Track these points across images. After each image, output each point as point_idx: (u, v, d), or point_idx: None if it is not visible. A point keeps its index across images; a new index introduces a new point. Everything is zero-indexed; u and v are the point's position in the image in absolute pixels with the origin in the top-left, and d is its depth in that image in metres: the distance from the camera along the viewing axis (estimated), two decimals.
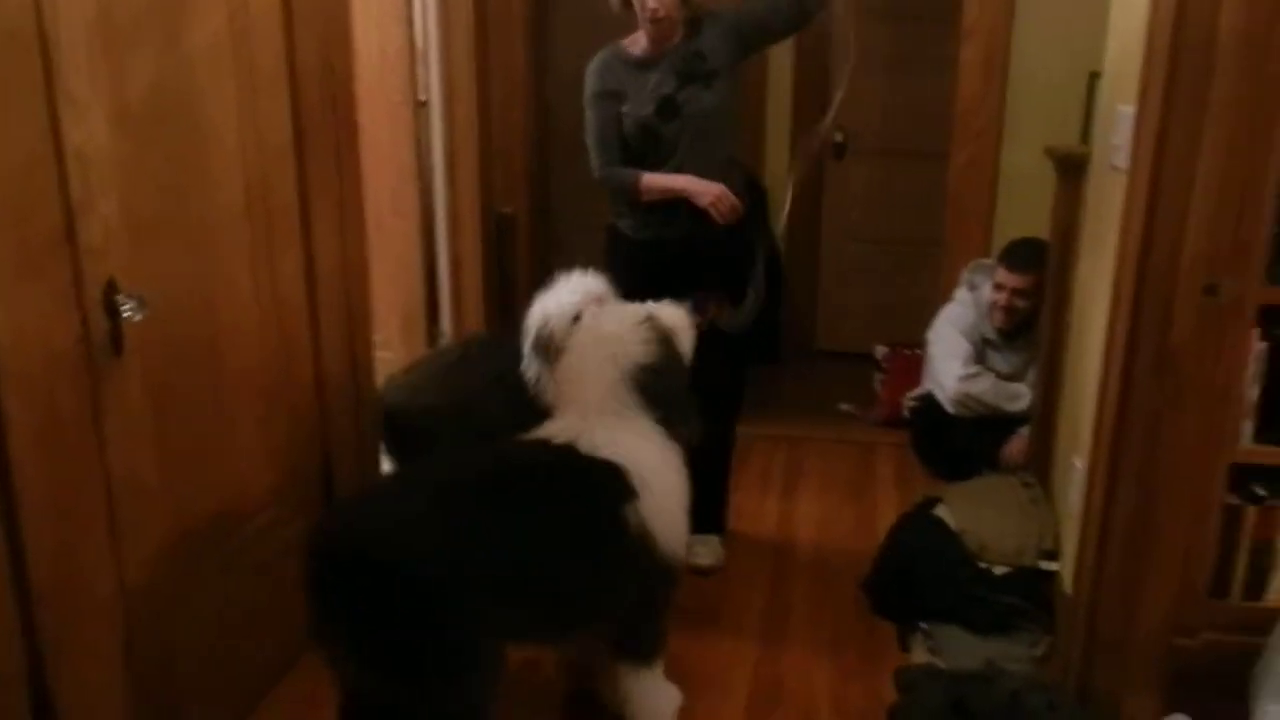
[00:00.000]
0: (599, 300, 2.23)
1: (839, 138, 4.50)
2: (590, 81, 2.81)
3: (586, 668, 2.32)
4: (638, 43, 2.78)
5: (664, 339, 2.16)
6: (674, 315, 2.25)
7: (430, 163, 3.50)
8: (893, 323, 4.36)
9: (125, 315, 1.74)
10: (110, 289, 1.73)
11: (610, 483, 1.98)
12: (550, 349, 2.18)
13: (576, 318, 2.18)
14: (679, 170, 2.72)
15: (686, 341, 2.27)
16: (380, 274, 3.57)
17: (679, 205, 2.73)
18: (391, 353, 3.64)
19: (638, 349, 2.11)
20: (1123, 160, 2.08)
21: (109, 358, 1.75)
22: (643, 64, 2.75)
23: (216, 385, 2.10)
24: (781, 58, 4.41)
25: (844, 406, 4.09)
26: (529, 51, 3.97)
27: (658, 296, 2.28)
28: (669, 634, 2.25)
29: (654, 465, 2.06)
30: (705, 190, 2.68)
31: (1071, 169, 2.61)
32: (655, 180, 2.73)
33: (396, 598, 1.66)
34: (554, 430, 2.08)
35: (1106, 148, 2.32)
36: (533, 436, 2.09)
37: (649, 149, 2.75)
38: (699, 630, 2.59)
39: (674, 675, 2.30)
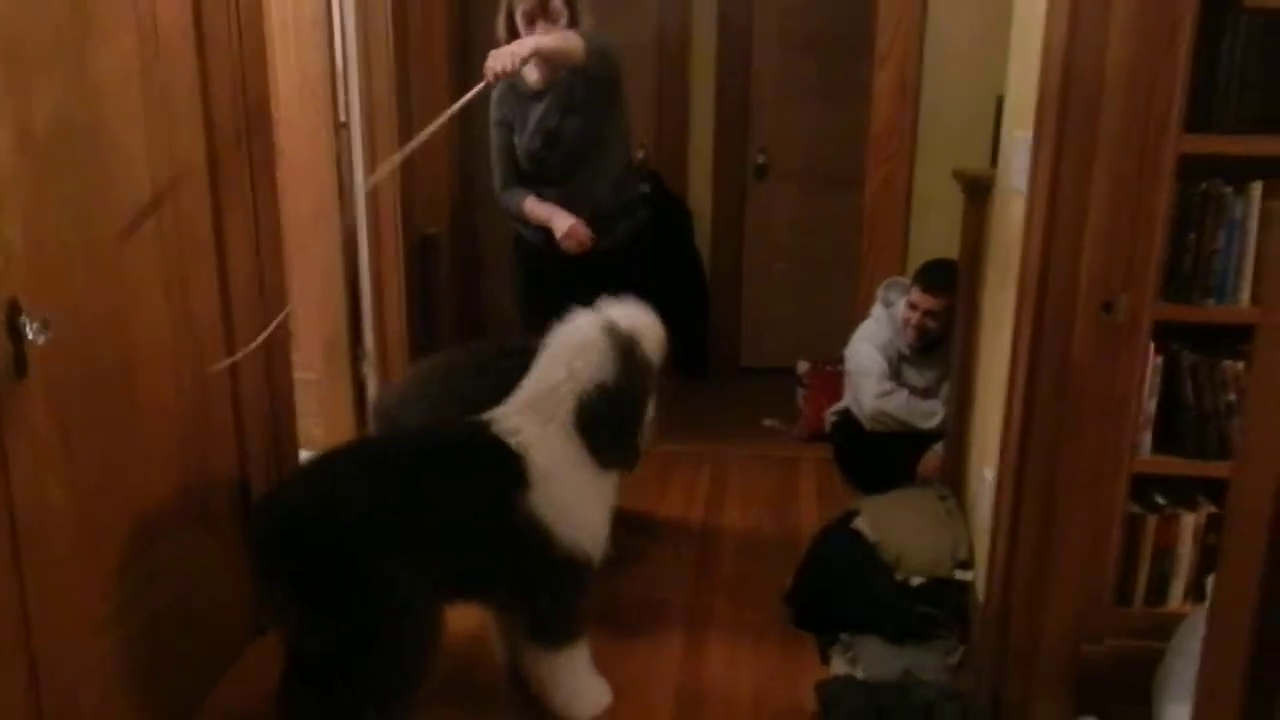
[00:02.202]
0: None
1: (760, 160, 4.59)
2: (491, 109, 3.07)
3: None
4: (531, 75, 2.95)
5: (627, 352, 2.18)
6: (637, 317, 2.24)
7: (351, 184, 3.47)
8: (815, 339, 4.43)
9: (29, 338, 1.70)
10: (13, 310, 1.69)
11: (506, 468, 2.09)
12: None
13: None
14: (569, 191, 2.95)
15: (654, 343, 2.27)
16: (302, 295, 3.54)
17: (580, 218, 2.95)
18: (314, 373, 3.60)
19: (599, 363, 2.14)
20: (1021, 183, 2.16)
21: (12, 380, 1.70)
22: (533, 96, 2.96)
23: (128, 407, 2.06)
24: (703, 87, 4.50)
25: (768, 422, 4.15)
26: (450, 71, 3.98)
27: (558, 303, 2.33)
28: (590, 635, 2.32)
29: (560, 461, 2.12)
30: (560, 225, 2.96)
31: (977, 191, 2.70)
32: (533, 208, 3.03)
33: (322, 563, 1.90)
34: (488, 414, 2.18)
35: (1009, 171, 2.41)
36: (468, 420, 2.20)
37: (539, 173, 3.00)
38: (621, 641, 2.61)
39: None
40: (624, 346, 2.17)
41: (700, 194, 4.62)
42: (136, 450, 2.09)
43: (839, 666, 2.47)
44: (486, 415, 2.19)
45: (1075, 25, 1.92)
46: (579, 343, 2.17)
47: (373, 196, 3.47)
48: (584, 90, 2.88)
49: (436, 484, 2.05)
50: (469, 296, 4.32)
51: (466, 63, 4.10)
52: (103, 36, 1.91)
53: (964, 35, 3.48)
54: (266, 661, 2.46)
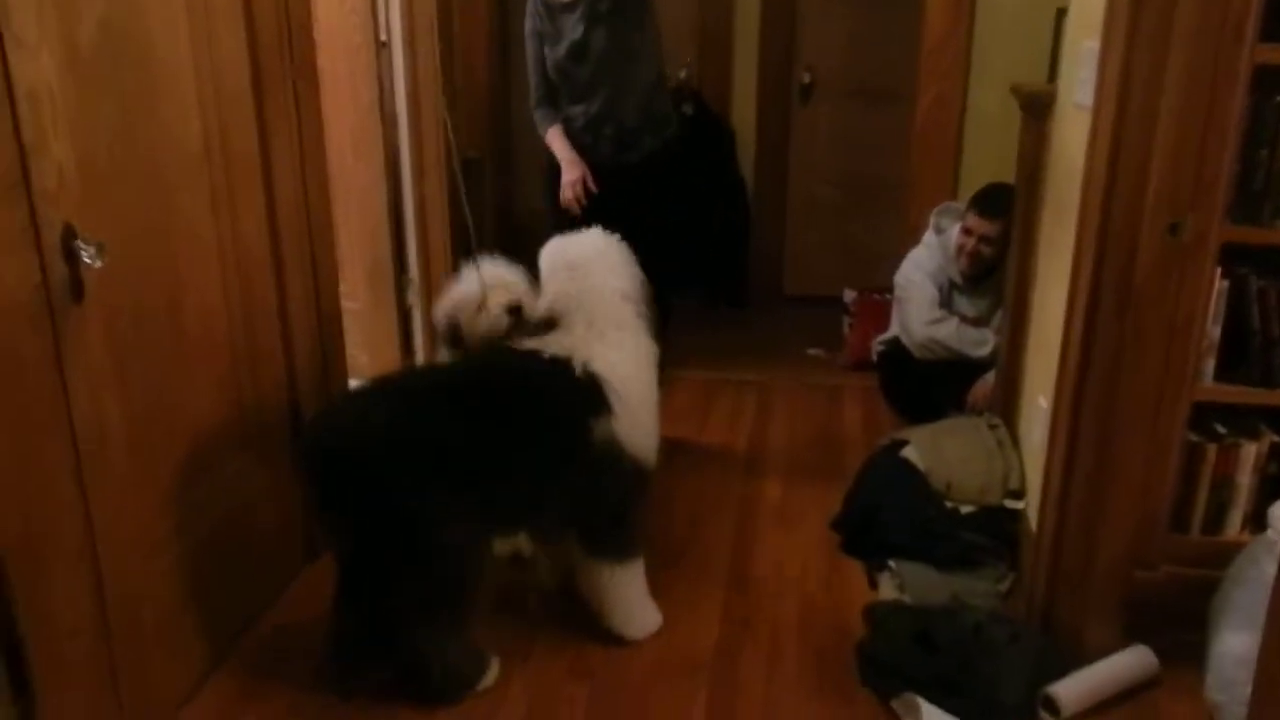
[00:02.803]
0: (507, 289, 2.42)
1: (806, 79, 4.47)
2: (525, 20, 3.09)
3: (567, 570, 2.40)
4: None
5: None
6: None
7: (393, 106, 3.43)
8: (861, 267, 4.37)
9: (85, 261, 1.70)
10: (68, 234, 1.68)
11: (580, 394, 2.13)
12: (458, 336, 2.41)
13: (480, 307, 2.40)
14: (596, 104, 2.98)
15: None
16: (345, 221, 3.52)
17: (599, 135, 3.01)
18: (358, 301, 3.60)
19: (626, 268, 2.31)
20: (1087, 97, 2.08)
21: (69, 304, 1.70)
22: (564, 7, 2.94)
23: (179, 333, 2.08)
24: (748, 3, 4.37)
25: (812, 351, 4.11)
26: None
27: (586, 220, 2.40)
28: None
29: (628, 373, 2.19)
30: (567, 171, 3.05)
31: (1037, 108, 2.61)
32: (553, 140, 3.10)
33: (367, 486, 1.93)
34: (553, 343, 2.20)
35: (1072, 85, 2.32)
36: (530, 347, 2.22)
37: (568, 86, 3.02)
38: (668, 565, 2.62)
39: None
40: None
41: (743, 114, 4.52)
42: (186, 375, 2.11)
43: (887, 592, 2.47)
44: (558, 343, 2.20)
45: None
46: (600, 251, 2.32)
47: (414, 119, 3.42)
48: (611, 1, 2.82)
49: (497, 416, 2.06)
50: (507, 220, 4.28)
51: None
52: None
53: None
54: (320, 584, 2.51)
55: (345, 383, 2.77)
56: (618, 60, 2.91)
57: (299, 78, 2.42)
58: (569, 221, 3.06)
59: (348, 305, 3.51)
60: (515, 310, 2.41)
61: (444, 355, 2.51)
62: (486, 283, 2.44)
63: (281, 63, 2.34)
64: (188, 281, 2.09)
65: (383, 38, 3.34)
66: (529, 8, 3.02)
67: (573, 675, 2.23)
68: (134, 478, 1.93)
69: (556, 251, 2.37)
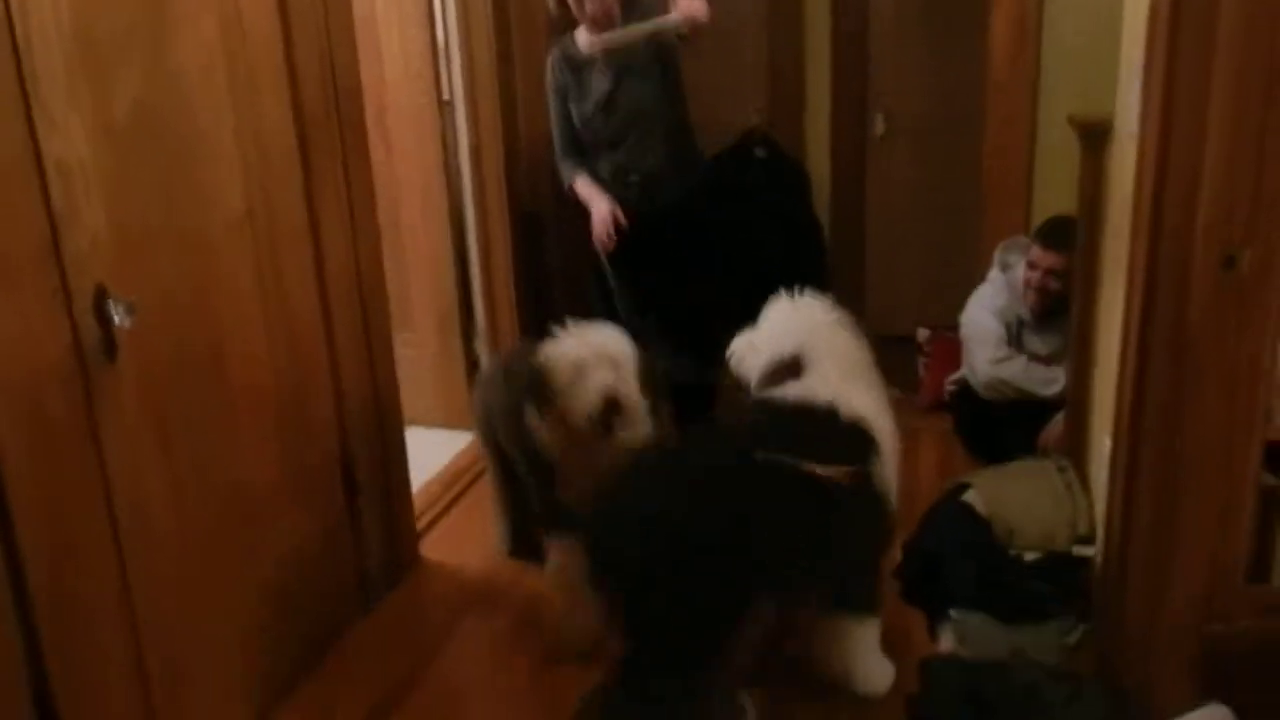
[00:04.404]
0: (614, 366, 2.27)
1: (881, 125, 4.39)
2: (547, 77, 3.12)
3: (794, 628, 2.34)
4: (581, 40, 2.98)
5: None
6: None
7: (457, 162, 3.52)
8: (942, 304, 4.23)
9: (116, 322, 1.78)
10: (100, 295, 1.77)
11: (862, 441, 2.07)
12: (547, 394, 2.27)
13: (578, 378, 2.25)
14: (623, 155, 2.99)
15: None
16: (414, 273, 3.62)
17: (627, 184, 3.01)
18: (428, 350, 3.69)
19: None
20: (1134, 123, 1.97)
21: (103, 364, 1.79)
22: (587, 62, 2.98)
23: (223, 389, 2.14)
24: (819, 41, 4.33)
25: (888, 392, 3.98)
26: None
27: (631, 267, 2.36)
28: None
29: (885, 424, 2.17)
30: (595, 209, 3.05)
31: (1094, 137, 2.50)
32: (579, 186, 3.14)
33: (678, 588, 1.82)
34: (809, 389, 2.12)
35: (1125, 113, 2.21)
36: (787, 397, 2.11)
37: (596, 140, 3.03)
38: None
39: None
40: None
41: (818, 155, 4.46)
42: (231, 431, 2.16)
43: (946, 644, 2.35)
44: (792, 388, 2.11)
45: None
46: (817, 318, 2.29)
47: (477, 173, 3.50)
48: (644, 57, 2.86)
49: (790, 482, 1.95)
50: (574, 271, 4.31)
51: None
52: (183, 23, 1.97)
53: None
54: (370, 641, 2.55)
55: (401, 434, 2.82)
56: (645, 111, 2.93)
57: (347, 141, 2.50)
58: (623, 267, 3.09)
59: (417, 354, 3.61)
60: (612, 404, 2.21)
61: (531, 414, 2.34)
62: (591, 352, 2.27)
63: (328, 127, 2.42)
64: (231, 339, 2.15)
65: (445, 98, 3.45)
66: (550, 64, 3.07)
67: None
68: (175, 534, 1.99)
69: (783, 306, 2.32)
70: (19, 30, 1.59)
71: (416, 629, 2.63)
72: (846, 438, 2.06)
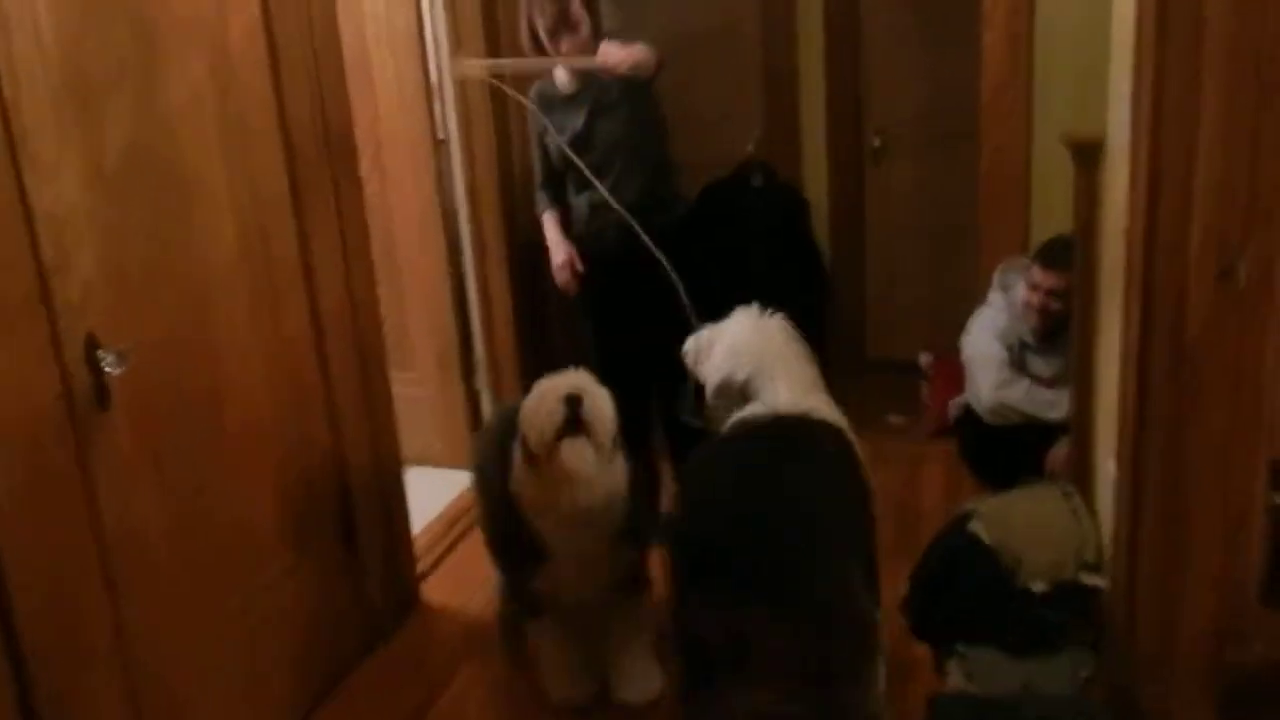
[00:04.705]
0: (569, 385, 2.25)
1: (876, 142, 4.39)
2: (529, 113, 3.11)
3: None
4: (560, 78, 2.98)
5: None
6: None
7: (453, 198, 3.52)
8: (946, 326, 4.20)
9: (107, 370, 1.77)
10: (91, 344, 1.76)
11: (848, 445, 2.18)
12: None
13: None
14: (612, 188, 2.92)
15: None
16: (411, 310, 3.62)
17: (606, 222, 2.96)
18: (428, 388, 3.67)
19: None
20: (1126, 139, 1.96)
21: (95, 412, 1.78)
22: (564, 100, 2.98)
23: (219, 431, 2.13)
24: (812, 65, 4.34)
25: (892, 418, 3.96)
26: None
27: (612, 311, 2.49)
28: None
29: (850, 432, 2.24)
30: (554, 255, 3.09)
31: (1087, 155, 2.48)
32: (545, 223, 3.15)
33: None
34: (778, 405, 2.16)
35: (1117, 129, 2.20)
36: (765, 414, 2.15)
37: (572, 176, 3.00)
38: None
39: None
40: None
41: (815, 181, 4.46)
42: (229, 473, 2.15)
43: (955, 680, 2.31)
44: (792, 406, 2.16)
45: None
46: (775, 340, 2.31)
47: (474, 208, 3.50)
48: (617, 93, 2.87)
49: (836, 478, 2.07)
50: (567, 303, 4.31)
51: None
52: (171, 66, 1.98)
53: None
54: (371, 685, 2.52)
55: (399, 471, 2.80)
56: (620, 147, 2.92)
57: (339, 180, 2.49)
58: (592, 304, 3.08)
59: (418, 392, 3.59)
60: (574, 401, 2.17)
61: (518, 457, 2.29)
62: (557, 379, 2.25)
63: (320, 167, 2.42)
64: (227, 382, 2.15)
65: (440, 136, 3.46)
66: (530, 99, 3.05)
67: None
68: (172, 577, 1.98)
69: (714, 331, 2.37)
70: (5, 78, 1.60)
71: (417, 673, 2.59)
72: (844, 444, 2.17)
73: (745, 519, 1.84)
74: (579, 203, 3.01)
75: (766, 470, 1.96)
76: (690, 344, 2.41)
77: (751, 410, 2.19)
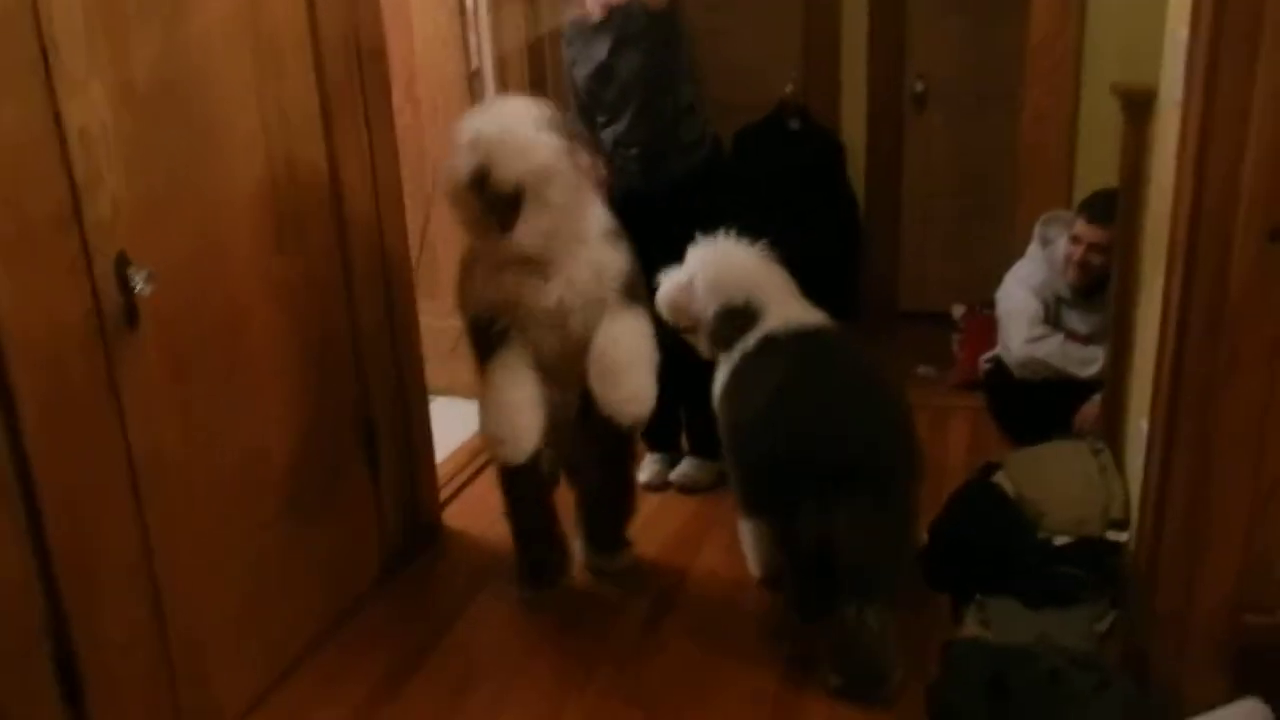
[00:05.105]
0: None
1: (919, 87, 4.29)
2: (562, 43, 3.05)
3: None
4: (590, 6, 2.89)
5: None
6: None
7: None
8: (980, 280, 4.13)
9: (137, 289, 1.77)
10: (122, 262, 1.76)
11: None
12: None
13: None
14: (620, 127, 2.89)
15: None
16: (441, 243, 3.60)
17: (626, 158, 2.90)
18: (453, 321, 3.66)
19: None
20: (1179, 92, 1.89)
21: (123, 330, 1.79)
22: (593, 29, 2.89)
23: (243, 354, 2.13)
24: (855, 9, 4.23)
25: (921, 369, 3.92)
26: None
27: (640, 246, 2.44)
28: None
29: None
30: None
31: (1137, 107, 2.41)
32: None
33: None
34: (798, 319, 2.36)
35: (1170, 81, 2.12)
36: (786, 327, 2.32)
37: (597, 108, 2.94)
38: (742, 593, 2.56)
39: (714, 635, 2.41)
40: None
41: (853, 127, 4.37)
42: (252, 396, 2.16)
43: (971, 628, 2.31)
44: (803, 318, 2.36)
45: None
46: (750, 260, 2.43)
47: None
48: (640, 25, 2.79)
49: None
50: None
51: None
52: None
53: None
54: (390, 607, 2.56)
55: (424, 397, 2.82)
56: (644, 84, 2.83)
57: (371, 106, 2.47)
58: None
59: (445, 325, 3.58)
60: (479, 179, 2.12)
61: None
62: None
63: (351, 92, 2.40)
64: (252, 305, 2.15)
65: (474, 66, 3.41)
66: (564, 31, 3.02)
67: None
68: (194, 495, 2.00)
69: (685, 271, 2.45)
70: None
71: (436, 596, 2.63)
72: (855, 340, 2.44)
73: (859, 414, 2.17)
74: (605, 136, 2.95)
75: (850, 369, 2.29)
76: (664, 293, 2.46)
77: (769, 327, 2.32)
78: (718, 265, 2.41)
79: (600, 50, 2.86)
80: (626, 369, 2.26)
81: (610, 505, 2.67)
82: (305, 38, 2.25)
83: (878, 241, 4.46)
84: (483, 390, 2.31)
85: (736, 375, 2.34)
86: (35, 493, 1.65)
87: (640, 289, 2.39)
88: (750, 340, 2.32)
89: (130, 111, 1.79)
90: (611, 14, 2.84)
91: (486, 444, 2.40)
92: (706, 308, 2.40)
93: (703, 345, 2.46)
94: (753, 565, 2.51)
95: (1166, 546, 1.99)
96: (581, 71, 2.92)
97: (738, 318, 2.36)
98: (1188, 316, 1.83)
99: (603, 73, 2.88)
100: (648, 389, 2.28)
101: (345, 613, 2.50)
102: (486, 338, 2.31)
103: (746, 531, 2.48)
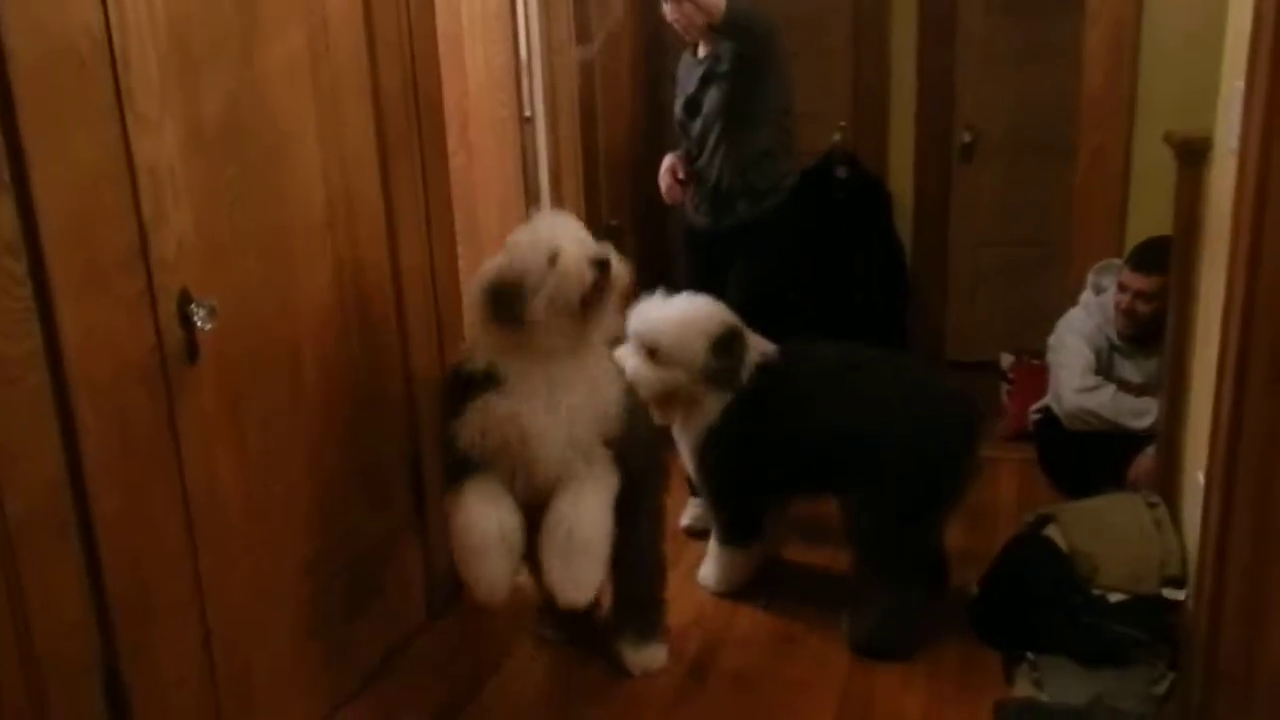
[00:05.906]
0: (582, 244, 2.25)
1: (967, 138, 4.30)
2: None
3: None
4: (687, 38, 2.99)
5: None
6: None
7: (537, 176, 3.54)
8: (1029, 330, 4.10)
9: (199, 326, 1.81)
10: (184, 299, 1.80)
11: None
12: (510, 307, 2.14)
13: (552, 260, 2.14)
14: (704, 161, 2.97)
15: None
16: None
17: (700, 193, 2.99)
18: None
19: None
20: (1236, 141, 1.88)
21: (184, 366, 1.82)
22: (695, 60, 3.00)
23: (298, 389, 2.16)
24: (904, 59, 4.26)
25: None
26: (637, 60, 3.97)
27: (708, 283, 2.65)
28: (757, 633, 2.62)
29: None
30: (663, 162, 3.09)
31: (1191, 155, 2.39)
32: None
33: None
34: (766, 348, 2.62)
35: (1226, 130, 2.11)
36: (776, 351, 2.60)
37: (687, 140, 3.05)
38: (788, 644, 2.53)
39: (762, 685, 2.38)
40: None
41: (901, 176, 4.37)
42: (306, 431, 2.19)
43: (1023, 688, 2.26)
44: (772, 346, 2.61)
45: None
46: (690, 300, 2.62)
47: (556, 187, 3.51)
48: (727, 63, 2.84)
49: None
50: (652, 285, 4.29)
51: (660, 56, 4.08)
52: (271, 32, 2.01)
53: None
54: (436, 645, 2.55)
55: None
56: (725, 121, 2.87)
57: (426, 150, 2.53)
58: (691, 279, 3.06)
59: None
60: (602, 265, 2.06)
61: (481, 337, 2.17)
62: (555, 234, 2.10)
63: (408, 136, 2.46)
64: (307, 340, 2.18)
65: (527, 114, 3.47)
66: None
67: None
68: (247, 530, 2.02)
69: (667, 305, 2.61)
70: (116, 36, 1.64)
71: (482, 635, 2.63)
72: None
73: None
74: (695, 169, 3.02)
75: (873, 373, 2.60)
76: (632, 353, 2.54)
77: (761, 353, 2.56)
78: (679, 314, 2.55)
79: (690, 83, 2.94)
80: (582, 552, 2.12)
81: (633, 593, 2.44)
82: (365, 84, 2.31)
83: (925, 290, 4.44)
84: (453, 513, 2.16)
85: (744, 404, 2.52)
86: (94, 529, 1.67)
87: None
88: (744, 374, 2.52)
89: (198, 150, 1.84)
90: (709, 51, 2.92)
91: (461, 578, 2.24)
92: (695, 353, 2.50)
93: (693, 393, 2.56)
94: (719, 585, 2.74)
95: (1228, 606, 1.93)
96: (677, 102, 3.02)
97: (731, 343, 2.52)
98: (1247, 368, 1.80)
99: (691, 106, 2.96)
100: (595, 579, 2.15)
101: (393, 651, 2.51)
102: (464, 459, 2.16)
103: (724, 555, 2.72)
